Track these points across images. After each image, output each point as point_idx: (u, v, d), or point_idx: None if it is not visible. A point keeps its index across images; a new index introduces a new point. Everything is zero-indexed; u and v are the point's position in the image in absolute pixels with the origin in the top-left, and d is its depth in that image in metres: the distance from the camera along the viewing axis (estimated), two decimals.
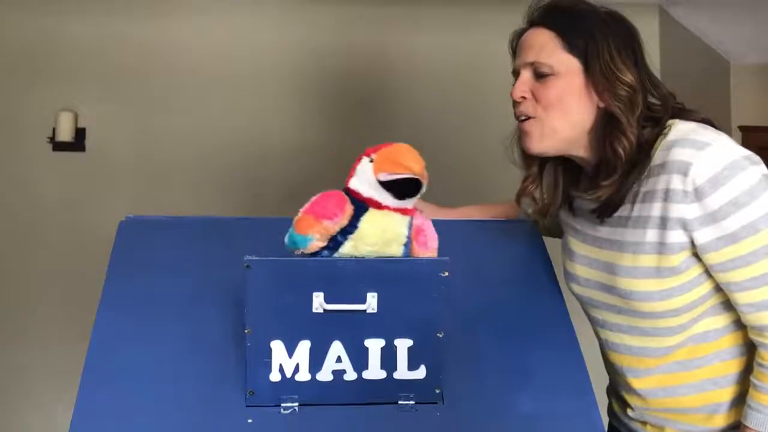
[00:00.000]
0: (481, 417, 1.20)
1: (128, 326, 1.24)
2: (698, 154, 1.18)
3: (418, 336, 1.16)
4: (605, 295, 1.36)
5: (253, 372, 1.14)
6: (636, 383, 1.37)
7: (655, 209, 1.23)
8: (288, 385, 1.14)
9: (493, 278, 1.40)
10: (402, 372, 1.17)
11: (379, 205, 1.13)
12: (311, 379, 1.15)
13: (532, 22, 1.34)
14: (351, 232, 1.13)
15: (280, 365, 1.14)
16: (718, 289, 1.26)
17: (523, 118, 1.32)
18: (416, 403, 1.18)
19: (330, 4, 3.33)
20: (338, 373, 1.15)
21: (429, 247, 1.19)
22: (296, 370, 1.14)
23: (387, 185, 1.11)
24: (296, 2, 3.33)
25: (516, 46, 1.36)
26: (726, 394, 1.30)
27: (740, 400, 1.28)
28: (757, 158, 1.22)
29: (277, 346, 1.13)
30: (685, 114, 1.30)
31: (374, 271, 1.13)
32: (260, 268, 1.11)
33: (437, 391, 1.19)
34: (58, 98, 3.20)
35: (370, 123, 3.32)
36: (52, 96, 3.20)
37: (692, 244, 1.22)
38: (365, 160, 1.13)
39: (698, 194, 1.18)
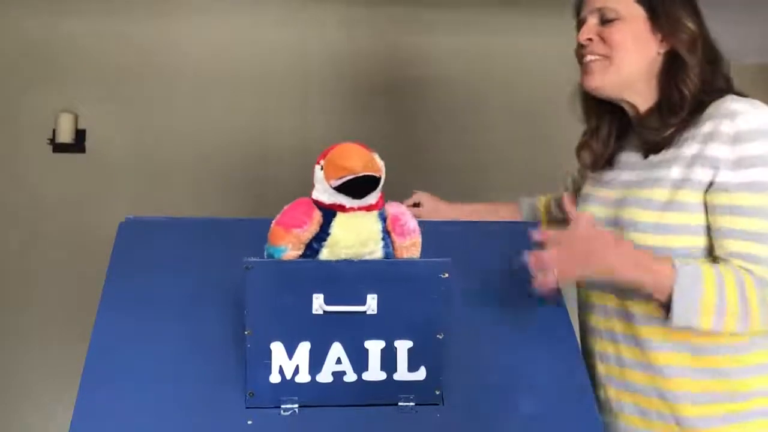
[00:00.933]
0: (481, 418, 1.20)
1: (128, 327, 1.24)
2: (749, 108, 1.26)
3: (418, 337, 1.16)
4: (606, 229, 1.35)
5: (253, 373, 1.14)
6: (617, 326, 1.36)
7: (691, 149, 1.29)
8: (288, 386, 1.14)
9: (493, 279, 1.40)
10: (402, 373, 1.17)
11: (344, 208, 1.12)
12: (311, 380, 1.15)
13: None
14: (324, 239, 1.12)
15: (280, 367, 1.14)
16: (702, 254, 1.27)
17: (589, 58, 1.39)
18: (416, 404, 1.18)
19: (331, 3, 3.33)
20: (338, 375, 1.15)
21: (408, 234, 1.18)
22: (296, 371, 1.14)
23: (341, 189, 1.10)
24: (297, 2, 3.33)
25: (581, 1, 1.43)
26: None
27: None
28: None
29: (277, 348, 1.13)
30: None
31: (374, 273, 1.13)
32: (260, 269, 1.11)
33: (437, 393, 1.19)
34: (58, 99, 3.20)
35: (371, 123, 3.32)
36: (52, 97, 3.20)
37: (706, 182, 1.25)
38: (317, 168, 1.12)
39: (737, 138, 1.24)
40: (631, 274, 1.22)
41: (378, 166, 1.10)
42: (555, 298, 1.33)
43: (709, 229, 1.27)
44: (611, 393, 1.39)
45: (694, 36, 1.34)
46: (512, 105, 3.39)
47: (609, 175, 1.45)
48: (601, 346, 1.41)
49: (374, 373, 1.16)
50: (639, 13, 1.35)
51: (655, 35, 1.35)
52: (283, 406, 1.15)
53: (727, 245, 1.24)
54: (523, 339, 1.32)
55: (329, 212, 1.12)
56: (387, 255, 1.17)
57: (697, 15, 1.37)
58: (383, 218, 1.16)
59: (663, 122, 1.34)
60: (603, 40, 1.36)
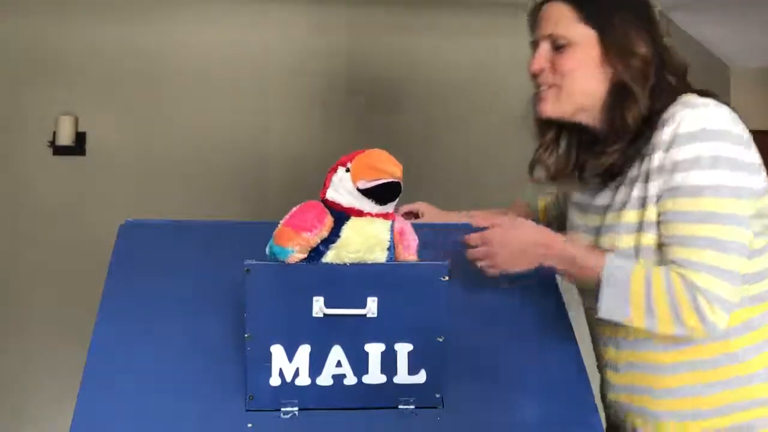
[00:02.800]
0: (481, 421, 1.20)
1: (128, 330, 1.24)
2: (687, 111, 1.23)
3: (419, 340, 1.16)
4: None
5: (253, 376, 1.14)
6: (612, 334, 1.37)
7: (644, 165, 1.27)
8: (288, 389, 1.14)
9: (493, 283, 1.39)
10: (402, 376, 1.17)
11: (360, 213, 1.12)
12: (311, 383, 1.15)
13: None
14: (333, 242, 1.12)
15: (280, 370, 1.14)
16: None
17: (542, 87, 1.36)
18: (416, 407, 1.18)
19: (331, 5, 3.33)
20: (338, 378, 1.15)
21: (412, 250, 1.20)
22: (296, 374, 1.14)
23: (367, 192, 1.10)
24: (298, 4, 3.33)
25: (534, 19, 1.39)
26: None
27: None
28: (746, 141, 1.25)
29: (277, 351, 1.13)
30: (704, 94, 1.33)
31: (374, 276, 1.13)
32: (260, 272, 1.11)
33: (437, 396, 1.19)
34: (58, 102, 3.20)
35: (372, 125, 3.32)
36: (53, 100, 3.20)
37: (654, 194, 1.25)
38: (341, 169, 1.12)
39: (671, 143, 1.22)
40: (559, 268, 1.30)
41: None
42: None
43: None
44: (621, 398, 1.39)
45: (646, 61, 1.30)
46: (504, 106, 3.39)
47: (586, 199, 1.42)
48: (609, 355, 1.41)
49: (374, 376, 1.16)
50: (590, 35, 1.31)
51: (607, 60, 1.31)
52: (283, 409, 1.15)
53: (666, 252, 1.24)
54: (523, 342, 1.32)
55: (342, 216, 1.12)
56: None
57: (651, 31, 1.33)
58: (392, 229, 1.16)
59: (604, 149, 1.32)
60: (554, 67, 1.34)
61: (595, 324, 1.43)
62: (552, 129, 1.42)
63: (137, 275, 1.32)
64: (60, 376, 2.80)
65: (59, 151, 3.19)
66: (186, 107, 3.28)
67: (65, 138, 3.17)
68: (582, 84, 1.33)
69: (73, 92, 3.22)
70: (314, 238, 1.11)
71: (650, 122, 1.28)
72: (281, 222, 1.12)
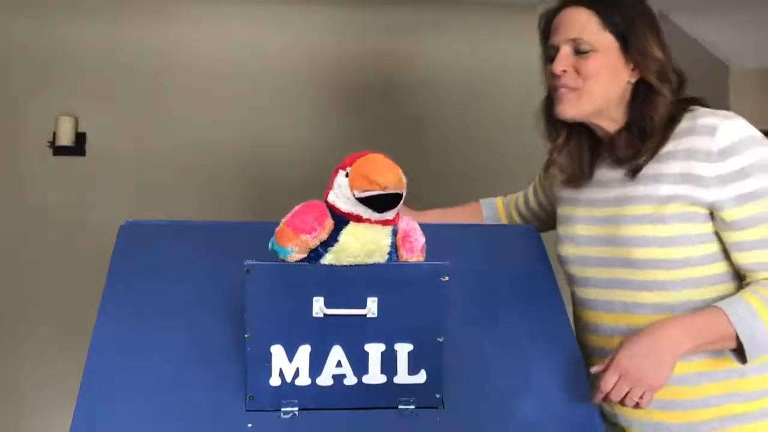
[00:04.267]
0: (481, 422, 1.20)
1: (128, 331, 1.24)
2: (724, 122, 1.29)
3: (419, 340, 1.16)
4: (600, 249, 1.39)
5: (254, 376, 1.14)
6: (610, 343, 1.36)
7: (674, 167, 1.31)
8: (288, 389, 1.14)
9: (493, 283, 1.40)
10: (402, 376, 1.17)
11: (359, 219, 1.10)
12: (311, 383, 1.15)
13: (567, 2, 1.41)
14: (332, 245, 1.11)
15: (280, 370, 1.14)
16: (712, 259, 1.31)
17: (561, 90, 1.39)
18: (416, 407, 1.18)
19: (329, 5, 3.34)
20: (338, 378, 1.15)
21: (416, 252, 1.17)
22: (296, 374, 1.14)
23: (364, 201, 1.08)
24: (298, 4, 3.33)
25: (550, 24, 1.42)
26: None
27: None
28: None
29: (277, 351, 1.13)
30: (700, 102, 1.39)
31: (374, 276, 1.13)
32: (260, 272, 1.11)
33: (437, 396, 1.19)
34: (58, 103, 3.20)
35: (374, 126, 3.33)
36: (53, 100, 3.20)
37: (704, 201, 1.28)
38: (341, 173, 1.10)
39: (722, 154, 1.26)
40: (695, 348, 1.24)
41: (404, 182, 1.09)
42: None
43: (703, 237, 1.30)
44: (617, 408, 1.37)
45: (662, 64, 1.36)
46: (506, 107, 3.40)
47: (586, 193, 1.45)
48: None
49: (374, 376, 1.16)
50: (611, 43, 1.35)
51: (627, 65, 1.36)
52: (283, 409, 1.15)
53: (741, 258, 1.28)
54: (523, 342, 1.32)
55: (342, 219, 1.11)
56: None
57: (662, 42, 1.38)
58: (394, 233, 1.15)
59: (637, 148, 1.36)
60: (577, 71, 1.36)
61: (585, 335, 1.45)
62: (564, 131, 1.45)
63: (137, 275, 1.32)
64: (60, 376, 2.81)
65: (59, 151, 3.19)
66: (186, 107, 3.28)
67: (65, 138, 3.17)
68: (604, 87, 1.36)
69: (73, 92, 3.22)
70: (313, 241, 1.11)
71: (671, 118, 1.34)
72: (283, 220, 1.12)
